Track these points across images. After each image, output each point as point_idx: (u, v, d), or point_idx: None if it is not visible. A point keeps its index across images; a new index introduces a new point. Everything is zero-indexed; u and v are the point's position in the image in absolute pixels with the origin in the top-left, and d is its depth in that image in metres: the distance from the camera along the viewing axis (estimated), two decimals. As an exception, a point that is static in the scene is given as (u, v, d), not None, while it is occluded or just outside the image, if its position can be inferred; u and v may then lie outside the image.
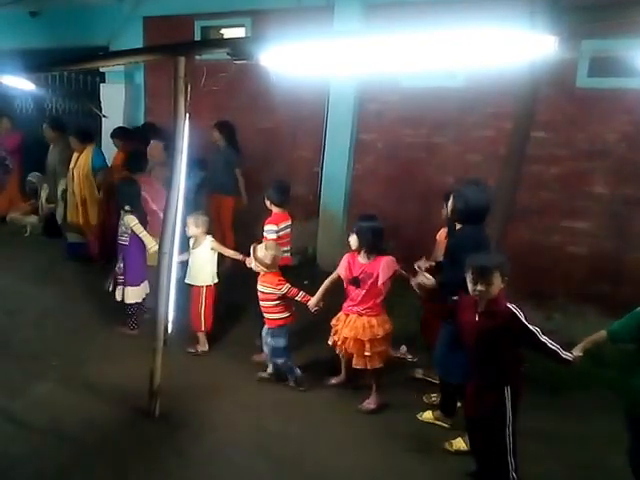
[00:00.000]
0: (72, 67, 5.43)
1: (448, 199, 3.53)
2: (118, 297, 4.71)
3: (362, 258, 3.63)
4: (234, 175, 6.04)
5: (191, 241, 4.48)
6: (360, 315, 3.60)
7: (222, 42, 3.69)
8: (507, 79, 4.24)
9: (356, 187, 6.19)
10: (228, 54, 3.10)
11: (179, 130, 3.34)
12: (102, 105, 7.76)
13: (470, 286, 2.70)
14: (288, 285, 3.82)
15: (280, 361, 3.92)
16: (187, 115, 3.34)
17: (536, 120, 4.69)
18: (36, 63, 5.90)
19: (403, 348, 4.42)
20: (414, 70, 4.68)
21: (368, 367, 3.63)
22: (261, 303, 3.92)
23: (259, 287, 3.89)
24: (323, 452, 3.32)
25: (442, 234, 3.89)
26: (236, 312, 5.02)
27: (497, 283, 2.65)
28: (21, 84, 6.26)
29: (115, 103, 7.71)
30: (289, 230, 4.35)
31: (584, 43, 4.73)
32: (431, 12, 4.92)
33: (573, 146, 5.04)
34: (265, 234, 4.21)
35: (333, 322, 3.75)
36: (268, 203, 4.32)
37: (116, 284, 4.76)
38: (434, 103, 5.51)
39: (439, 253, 3.84)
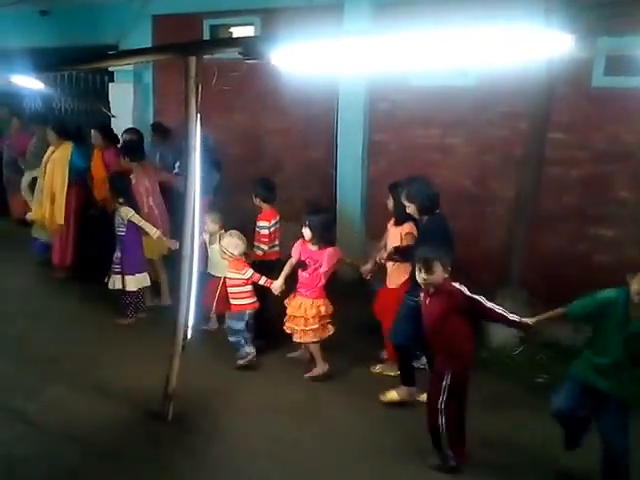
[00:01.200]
0: (83, 66, 5.39)
1: (393, 191, 4.05)
2: (117, 285, 4.87)
3: (311, 246, 4.06)
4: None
5: (208, 236, 4.73)
6: (304, 297, 4.03)
7: (233, 41, 3.64)
8: (521, 78, 4.16)
9: (372, 190, 6.08)
10: (239, 53, 3.04)
11: (191, 130, 3.28)
12: (110, 105, 7.74)
13: (417, 274, 3.06)
14: (252, 270, 4.22)
15: (233, 339, 4.27)
16: (198, 115, 3.29)
17: (552, 121, 4.61)
18: (45, 62, 5.88)
19: (423, 359, 4.33)
20: (425, 69, 4.59)
21: (303, 341, 4.09)
22: (229, 289, 4.27)
23: (227, 274, 4.29)
24: (336, 458, 3.29)
25: (391, 223, 4.22)
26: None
27: (439, 272, 2.98)
28: (30, 83, 6.24)
29: (124, 103, 7.69)
30: (278, 226, 4.62)
31: (600, 41, 4.62)
32: (443, 10, 4.82)
33: (592, 148, 4.90)
34: (258, 229, 4.50)
35: (286, 302, 4.15)
36: (257, 201, 4.54)
37: (111, 274, 4.92)
38: (446, 103, 5.41)
39: (390, 240, 4.16)
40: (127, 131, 6.55)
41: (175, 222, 4.87)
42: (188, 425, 3.52)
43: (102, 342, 4.61)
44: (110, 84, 7.87)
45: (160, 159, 6.80)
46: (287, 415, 3.70)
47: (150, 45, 7.20)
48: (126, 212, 4.81)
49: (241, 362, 4.25)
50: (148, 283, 5.02)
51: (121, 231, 4.88)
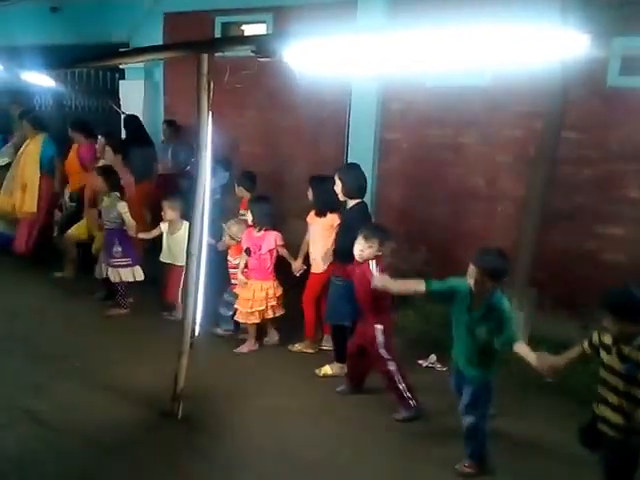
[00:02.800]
0: (95, 64, 5.42)
1: (313, 183, 4.46)
2: (125, 278, 4.99)
3: (255, 232, 4.45)
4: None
5: (166, 225, 4.93)
6: (254, 279, 4.41)
7: (245, 39, 3.62)
8: (536, 77, 4.11)
9: (382, 189, 6.04)
10: (252, 51, 3.02)
11: (202, 128, 3.27)
12: (121, 102, 7.73)
13: (356, 246, 3.52)
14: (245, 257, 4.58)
15: (223, 311, 4.70)
16: (210, 113, 3.27)
17: (566, 120, 4.56)
18: (56, 59, 5.91)
19: (432, 357, 4.31)
20: (439, 68, 4.55)
21: (245, 321, 4.45)
22: (231, 271, 4.69)
23: (229, 259, 4.73)
24: (346, 459, 3.27)
25: (312, 215, 4.50)
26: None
27: (374, 248, 3.46)
28: (41, 80, 6.26)
29: (134, 100, 7.67)
30: None
31: (616, 41, 4.58)
32: (457, 8, 4.78)
33: (605, 147, 4.85)
34: (240, 217, 4.88)
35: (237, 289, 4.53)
36: (240, 190, 5.02)
37: (108, 267, 5.05)
38: (460, 102, 5.35)
39: (315, 231, 4.48)
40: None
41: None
42: (198, 424, 3.51)
43: (110, 338, 4.63)
44: (121, 81, 7.86)
45: (172, 156, 6.83)
46: (297, 414, 3.69)
47: (161, 43, 7.19)
48: (123, 207, 4.93)
49: (220, 332, 4.70)
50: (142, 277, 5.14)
51: (115, 224, 4.97)
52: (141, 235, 5.07)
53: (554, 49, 2.44)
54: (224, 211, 5.24)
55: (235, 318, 4.57)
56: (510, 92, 5.02)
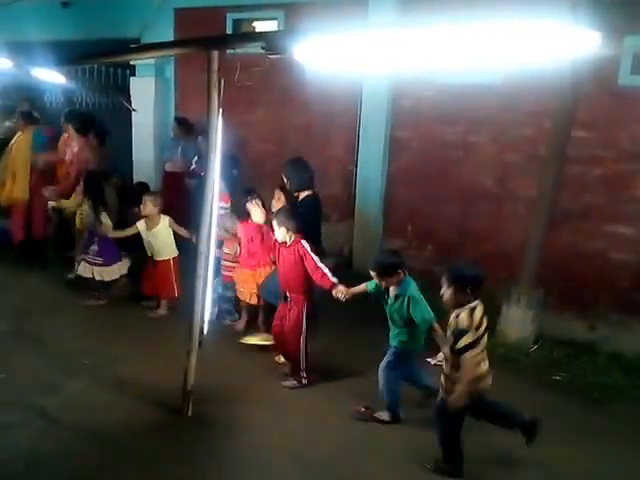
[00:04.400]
0: (106, 60, 5.43)
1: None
2: (95, 275, 5.15)
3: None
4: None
5: (143, 222, 4.98)
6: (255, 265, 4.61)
7: (256, 35, 3.59)
8: (547, 76, 4.09)
9: (392, 187, 6.05)
10: (262, 48, 3.02)
11: (212, 126, 3.27)
12: (132, 99, 7.75)
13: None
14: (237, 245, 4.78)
15: (225, 306, 4.88)
16: (220, 110, 3.28)
17: (576, 119, 4.54)
18: (67, 55, 5.92)
19: (440, 355, 4.30)
20: (450, 65, 4.53)
21: (248, 301, 4.67)
22: (224, 263, 4.82)
23: (225, 250, 4.82)
24: (355, 457, 3.27)
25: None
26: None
27: (283, 233, 3.82)
28: (52, 77, 6.29)
29: (145, 97, 7.70)
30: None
31: (627, 39, 4.55)
32: (469, 5, 4.71)
33: (616, 147, 4.82)
34: (220, 210, 4.96)
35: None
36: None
37: (84, 264, 5.20)
38: (471, 100, 5.33)
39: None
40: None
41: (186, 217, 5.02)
42: (207, 422, 3.51)
43: (118, 336, 4.63)
44: (132, 78, 7.87)
45: (181, 153, 6.85)
46: (306, 412, 3.69)
47: (172, 39, 7.23)
48: (105, 220, 5.12)
49: (228, 322, 4.85)
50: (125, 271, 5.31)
51: (94, 225, 5.16)
52: (114, 234, 5.16)
53: (565, 48, 2.42)
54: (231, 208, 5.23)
55: (237, 295, 4.78)
56: (520, 90, 5.00)
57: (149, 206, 4.94)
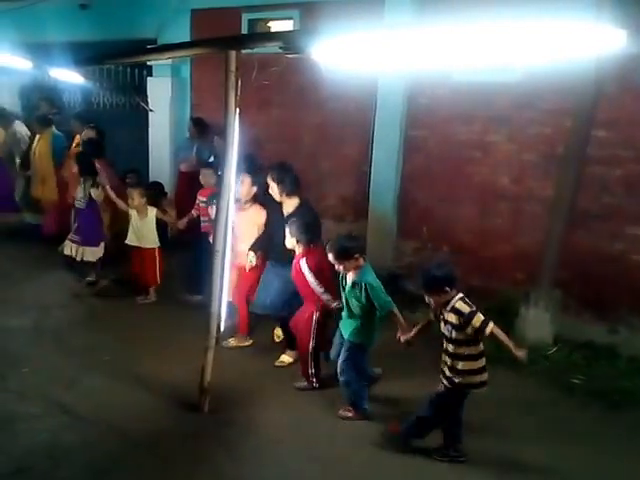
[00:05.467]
0: (125, 60, 5.49)
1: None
2: (76, 255, 5.55)
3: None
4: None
5: (134, 212, 5.32)
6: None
7: (274, 35, 3.60)
8: (567, 74, 4.02)
9: (406, 187, 5.99)
10: (280, 47, 3.02)
11: (229, 125, 3.28)
12: (149, 99, 7.80)
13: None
14: None
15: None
16: (237, 110, 3.28)
17: (597, 118, 4.47)
18: (85, 56, 5.98)
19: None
20: (467, 64, 4.49)
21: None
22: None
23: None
24: (369, 456, 3.27)
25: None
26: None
27: (293, 242, 3.81)
28: (70, 77, 6.37)
29: (162, 97, 7.75)
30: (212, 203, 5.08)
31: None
32: (488, 2, 4.70)
33: (637, 147, 4.72)
34: (200, 203, 5.25)
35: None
36: (205, 176, 5.31)
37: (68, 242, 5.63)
38: (488, 98, 5.27)
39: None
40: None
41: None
42: (224, 418, 3.54)
43: (135, 332, 4.70)
44: (148, 78, 7.93)
45: (196, 153, 6.89)
46: (323, 410, 3.70)
47: (188, 39, 7.26)
48: (98, 194, 5.46)
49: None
50: (102, 254, 5.67)
51: (81, 204, 5.54)
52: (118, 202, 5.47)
53: (588, 45, 2.38)
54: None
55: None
56: (539, 89, 4.93)
57: (136, 198, 5.30)
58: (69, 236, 5.68)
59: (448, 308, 3.03)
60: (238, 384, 3.94)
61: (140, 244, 5.36)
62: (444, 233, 5.70)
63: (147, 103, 7.66)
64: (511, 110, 5.20)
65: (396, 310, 3.42)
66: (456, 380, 3.06)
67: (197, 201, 5.27)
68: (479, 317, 2.97)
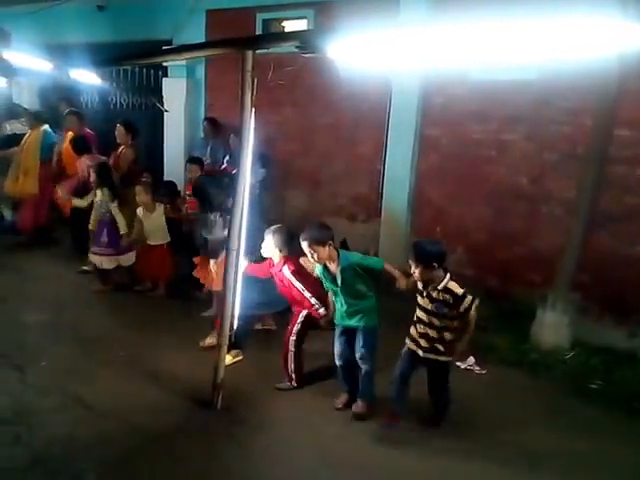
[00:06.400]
0: (143, 61, 5.51)
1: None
2: (104, 265, 5.53)
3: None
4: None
5: (141, 209, 5.39)
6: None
7: (290, 35, 3.60)
8: (588, 71, 3.92)
9: (420, 186, 5.94)
10: (296, 47, 3.01)
11: (245, 125, 3.28)
12: (164, 99, 7.86)
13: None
14: None
15: None
16: (253, 110, 3.28)
17: (619, 117, 4.37)
18: (102, 57, 6.05)
19: (471, 359, 4.23)
20: (484, 62, 4.42)
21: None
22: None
23: None
24: (384, 454, 3.25)
25: None
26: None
27: (275, 253, 3.78)
28: (88, 78, 6.44)
29: (177, 97, 7.80)
30: None
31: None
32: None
33: (661, 146, 4.63)
34: (187, 197, 5.52)
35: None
36: (191, 170, 5.61)
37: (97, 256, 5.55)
38: (505, 97, 5.20)
39: None
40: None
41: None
42: (236, 415, 3.55)
43: (149, 327, 4.76)
44: (164, 79, 7.99)
45: (210, 152, 6.92)
46: (333, 410, 3.68)
47: (203, 40, 7.29)
48: (114, 208, 5.43)
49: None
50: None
51: (105, 217, 5.48)
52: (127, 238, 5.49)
53: (610, 42, 2.33)
54: (260, 207, 5.29)
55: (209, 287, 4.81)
56: (559, 87, 4.85)
57: (142, 195, 5.34)
58: (96, 250, 5.55)
59: (440, 287, 3.17)
60: (250, 382, 3.96)
61: (150, 242, 5.44)
62: (458, 233, 5.64)
63: (162, 103, 7.72)
64: (529, 109, 5.12)
65: (387, 265, 3.49)
66: (443, 349, 3.26)
67: (188, 197, 5.43)
68: (469, 298, 3.17)
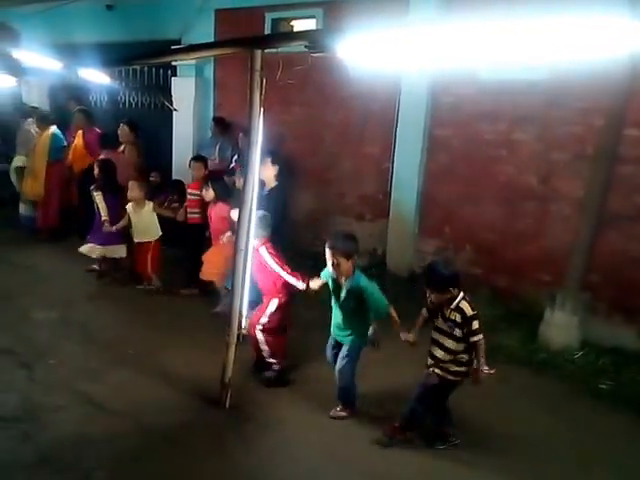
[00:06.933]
0: (153, 60, 5.55)
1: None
2: (108, 254, 5.69)
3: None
4: None
5: (130, 206, 5.46)
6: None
7: (299, 34, 3.61)
8: (598, 71, 3.90)
9: (429, 186, 5.92)
10: (306, 46, 3.02)
11: (254, 124, 3.29)
12: (173, 98, 7.88)
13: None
14: None
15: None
16: (262, 109, 3.29)
17: (629, 116, 4.34)
18: (111, 56, 6.08)
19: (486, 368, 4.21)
20: (493, 61, 4.41)
21: (212, 279, 4.95)
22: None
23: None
24: (387, 455, 3.26)
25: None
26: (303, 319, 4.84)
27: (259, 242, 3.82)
28: (97, 77, 6.47)
29: (186, 97, 7.83)
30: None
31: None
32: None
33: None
34: (189, 196, 5.54)
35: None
36: (195, 167, 5.67)
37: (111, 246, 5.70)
38: (515, 97, 5.17)
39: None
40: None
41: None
42: (244, 414, 3.57)
43: (157, 325, 4.78)
44: (173, 78, 8.02)
45: (219, 151, 6.94)
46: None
47: (212, 39, 7.31)
48: (97, 197, 5.54)
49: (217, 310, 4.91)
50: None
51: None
52: (115, 227, 5.57)
53: (621, 41, 2.32)
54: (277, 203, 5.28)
55: (201, 276, 4.99)
56: (568, 87, 4.81)
57: (136, 190, 5.40)
58: (88, 238, 5.73)
59: (452, 306, 3.10)
60: (256, 380, 3.97)
61: (141, 239, 5.49)
62: (467, 233, 5.62)
63: (171, 102, 7.75)
64: (538, 109, 5.09)
65: (393, 311, 3.38)
66: (461, 369, 3.17)
67: (189, 196, 5.47)
68: (477, 322, 3.08)
